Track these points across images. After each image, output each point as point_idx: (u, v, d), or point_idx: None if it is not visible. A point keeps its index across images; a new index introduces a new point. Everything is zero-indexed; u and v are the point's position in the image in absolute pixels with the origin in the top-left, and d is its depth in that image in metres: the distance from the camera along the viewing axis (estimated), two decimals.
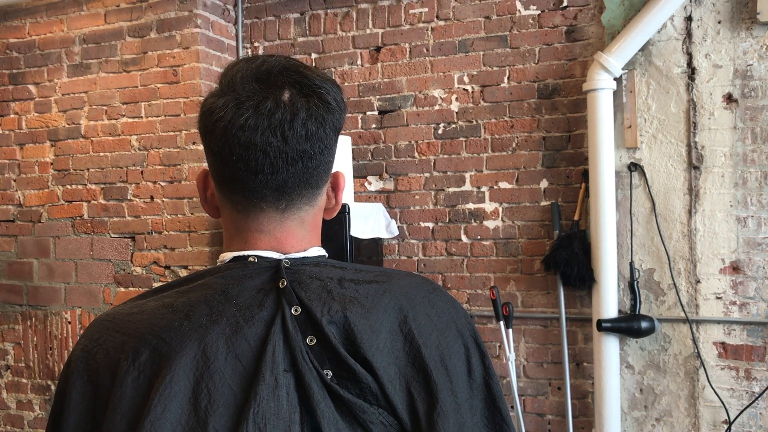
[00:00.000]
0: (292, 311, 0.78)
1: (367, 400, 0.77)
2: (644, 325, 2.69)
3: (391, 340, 0.80)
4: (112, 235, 3.36)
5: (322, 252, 0.89)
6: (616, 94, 2.74)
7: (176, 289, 0.83)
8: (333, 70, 3.26)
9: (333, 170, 0.89)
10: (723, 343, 2.67)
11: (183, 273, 3.22)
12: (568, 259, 2.73)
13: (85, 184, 3.41)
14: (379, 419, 0.76)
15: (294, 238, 0.85)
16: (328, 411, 0.75)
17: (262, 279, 0.81)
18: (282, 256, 0.84)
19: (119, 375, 0.76)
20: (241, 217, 0.84)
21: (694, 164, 2.70)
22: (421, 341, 0.81)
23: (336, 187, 0.90)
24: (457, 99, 3.06)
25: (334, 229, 2.84)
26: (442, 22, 3.08)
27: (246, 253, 0.83)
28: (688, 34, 2.69)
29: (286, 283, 0.80)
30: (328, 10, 3.26)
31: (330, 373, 0.76)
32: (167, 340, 0.76)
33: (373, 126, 3.20)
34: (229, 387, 0.74)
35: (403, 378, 0.79)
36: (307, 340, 0.77)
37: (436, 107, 3.09)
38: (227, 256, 0.85)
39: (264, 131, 0.78)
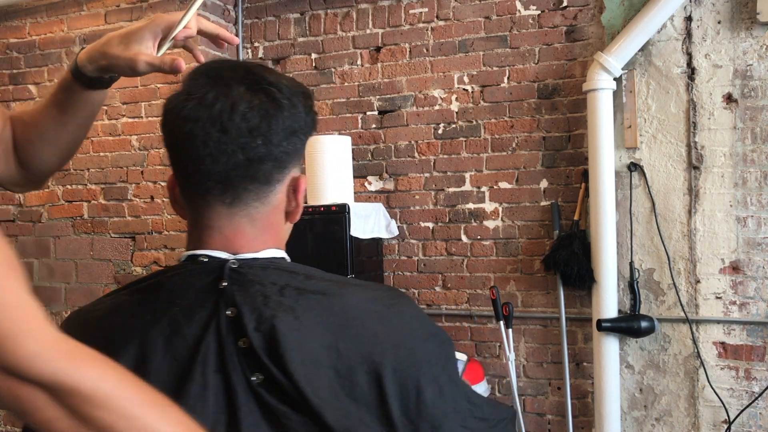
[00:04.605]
0: (228, 313, 0.78)
1: (293, 408, 0.75)
2: (644, 324, 2.69)
3: (324, 355, 0.77)
4: (113, 235, 3.37)
5: (280, 254, 0.87)
6: (616, 94, 2.74)
7: (133, 288, 0.85)
8: (333, 70, 3.26)
9: (296, 173, 0.87)
10: (723, 343, 2.67)
11: None
12: (568, 259, 2.73)
13: (85, 184, 3.41)
14: (304, 428, 0.75)
15: (244, 237, 0.84)
16: (249, 415, 0.74)
17: (207, 279, 0.81)
18: (231, 256, 0.83)
19: None
20: (195, 213, 0.85)
21: (694, 164, 2.70)
22: (358, 359, 0.78)
23: (296, 190, 0.87)
24: (457, 99, 3.06)
25: (334, 229, 2.84)
26: (442, 22, 3.08)
27: (198, 252, 0.84)
28: (688, 34, 2.69)
29: (225, 284, 0.80)
30: (328, 10, 3.26)
31: (261, 377, 0.76)
32: (111, 338, 0.79)
33: (373, 126, 3.20)
34: (164, 385, 0.75)
35: (335, 392, 0.76)
36: (240, 343, 0.77)
37: (436, 107, 3.09)
38: (184, 254, 0.86)
39: (204, 122, 0.79)
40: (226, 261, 0.82)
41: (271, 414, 0.75)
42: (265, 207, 0.85)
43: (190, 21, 0.86)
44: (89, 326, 0.83)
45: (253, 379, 0.75)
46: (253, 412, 0.74)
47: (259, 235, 0.85)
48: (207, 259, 0.83)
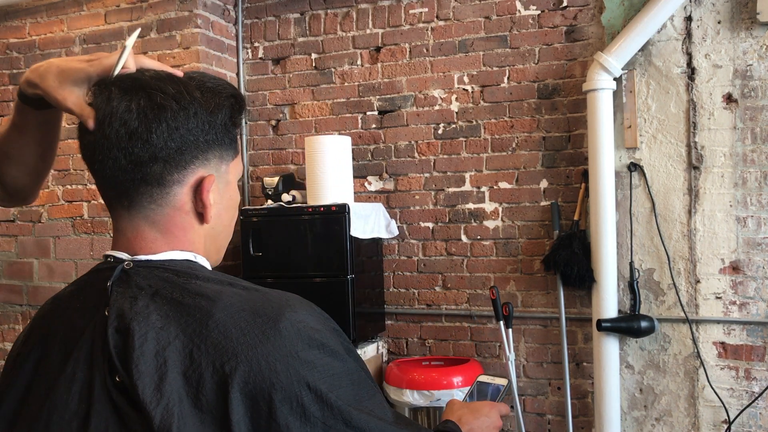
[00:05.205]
0: (105, 312, 0.81)
1: (136, 409, 0.75)
2: (644, 324, 2.69)
3: (177, 360, 0.76)
4: (112, 235, 3.36)
5: (183, 256, 0.86)
6: (616, 94, 2.74)
7: (71, 282, 0.92)
8: (333, 70, 3.26)
9: (204, 173, 0.86)
10: (723, 343, 2.67)
11: None
12: (568, 259, 2.74)
13: (85, 184, 3.41)
14: (141, 428, 0.75)
15: (143, 239, 0.85)
16: (101, 412, 0.76)
17: (104, 279, 0.84)
18: (129, 257, 0.85)
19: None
20: (111, 217, 0.90)
21: (693, 164, 2.70)
22: (210, 368, 0.76)
23: (199, 190, 0.86)
24: (457, 99, 3.06)
25: (334, 229, 2.84)
26: (442, 22, 3.08)
27: (109, 252, 0.88)
28: (688, 34, 2.69)
29: (109, 284, 0.83)
30: (328, 10, 3.26)
31: (124, 377, 0.77)
32: (33, 331, 0.89)
33: (373, 126, 3.20)
34: (51, 376, 0.80)
35: (180, 398, 0.75)
36: (112, 343, 0.79)
37: (436, 107, 3.09)
38: (104, 254, 0.91)
39: (92, 132, 0.83)
40: (123, 262, 0.85)
41: (119, 414, 0.76)
42: (164, 209, 0.85)
43: (128, 61, 0.87)
44: (37, 316, 0.92)
45: (117, 379, 0.77)
46: (104, 410, 0.76)
47: (159, 237, 0.86)
48: (112, 260, 0.86)
